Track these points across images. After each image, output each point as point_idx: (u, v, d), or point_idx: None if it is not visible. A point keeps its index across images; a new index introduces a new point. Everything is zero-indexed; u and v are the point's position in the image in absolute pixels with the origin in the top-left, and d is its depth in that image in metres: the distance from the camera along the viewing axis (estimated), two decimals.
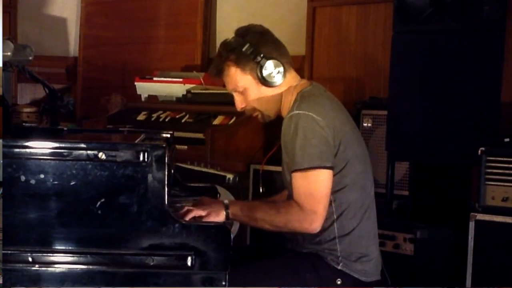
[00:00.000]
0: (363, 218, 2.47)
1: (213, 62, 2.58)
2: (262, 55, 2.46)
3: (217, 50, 2.57)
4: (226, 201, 2.44)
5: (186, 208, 2.39)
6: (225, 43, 2.54)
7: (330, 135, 2.38)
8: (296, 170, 2.37)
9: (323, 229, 2.42)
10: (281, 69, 2.48)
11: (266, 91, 2.52)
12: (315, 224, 2.36)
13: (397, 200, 3.90)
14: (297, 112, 2.40)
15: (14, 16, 5.65)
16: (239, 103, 2.57)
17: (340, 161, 2.41)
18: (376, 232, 2.57)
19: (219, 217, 2.39)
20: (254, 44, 2.47)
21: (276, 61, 2.48)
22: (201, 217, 2.37)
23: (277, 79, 2.49)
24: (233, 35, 2.55)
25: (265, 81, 2.49)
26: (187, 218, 2.31)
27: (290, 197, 2.51)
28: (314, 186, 2.35)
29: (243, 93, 2.54)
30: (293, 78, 2.55)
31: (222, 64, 2.52)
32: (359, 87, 4.54)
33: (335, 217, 2.43)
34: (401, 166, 3.95)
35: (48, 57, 5.69)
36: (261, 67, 2.47)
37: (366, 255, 2.47)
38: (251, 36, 2.50)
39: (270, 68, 2.47)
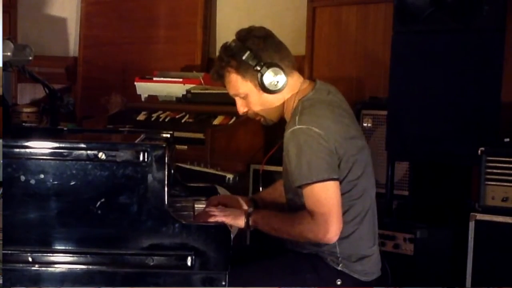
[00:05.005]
0: (363, 220, 2.46)
1: (214, 66, 2.54)
2: (262, 63, 2.42)
3: (217, 53, 2.55)
4: (250, 210, 2.49)
5: (208, 210, 2.44)
6: (225, 47, 2.49)
7: (333, 146, 2.36)
8: (304, 185, 2.35)
9: None
10: (282, 76, 2.44)
11: (268, 97, 2.49)
12: (329, 235, 2.32)
13: (397, 200, 3.89)
14: (299, 126, 2.36)
15: (14, 16, 5.65)
16: (241, 108, 2.54)
17: (342, 171, 2.39)
18: (377, 232, 2.56)
19: (238, 221, 2.41)
20: (254, 51, 2.43)
21: (277, 68, 2.43)
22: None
23: (278, 86, 2.44)
24: (233, 36, 2.52)
25: (266, 89, 2.45)
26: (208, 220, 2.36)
27: (289, 205, 2.52)
28: (323, 198, 2.33)
29: (245, 98, 2.52)
30: (295, 81, 2.51)
31: (222, 70, 2.49)
32: (359, 87, 4.53)
33: None
34: (401, 166, 3.95)
35: (48, 57, 5.69)
36: (262, 75, 2.43)
37: (366, 256, 2.46)
38: (251, 42, 2.44)
39: (271, 76, 2.43)
